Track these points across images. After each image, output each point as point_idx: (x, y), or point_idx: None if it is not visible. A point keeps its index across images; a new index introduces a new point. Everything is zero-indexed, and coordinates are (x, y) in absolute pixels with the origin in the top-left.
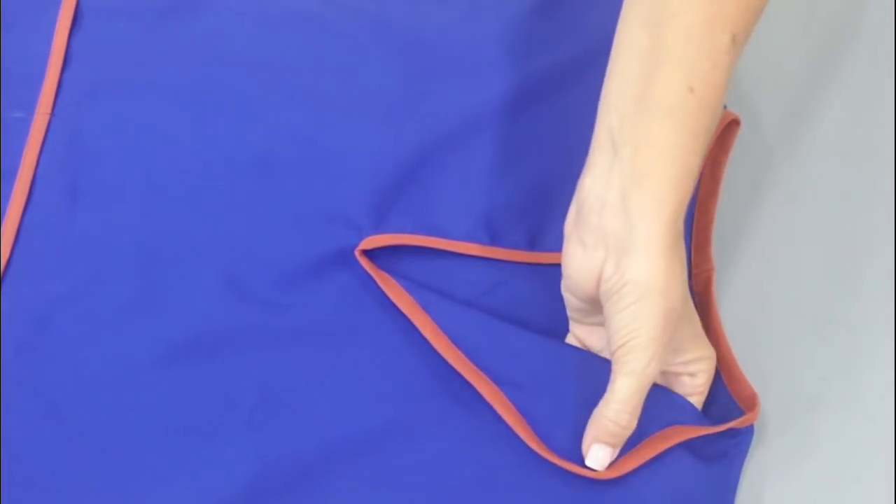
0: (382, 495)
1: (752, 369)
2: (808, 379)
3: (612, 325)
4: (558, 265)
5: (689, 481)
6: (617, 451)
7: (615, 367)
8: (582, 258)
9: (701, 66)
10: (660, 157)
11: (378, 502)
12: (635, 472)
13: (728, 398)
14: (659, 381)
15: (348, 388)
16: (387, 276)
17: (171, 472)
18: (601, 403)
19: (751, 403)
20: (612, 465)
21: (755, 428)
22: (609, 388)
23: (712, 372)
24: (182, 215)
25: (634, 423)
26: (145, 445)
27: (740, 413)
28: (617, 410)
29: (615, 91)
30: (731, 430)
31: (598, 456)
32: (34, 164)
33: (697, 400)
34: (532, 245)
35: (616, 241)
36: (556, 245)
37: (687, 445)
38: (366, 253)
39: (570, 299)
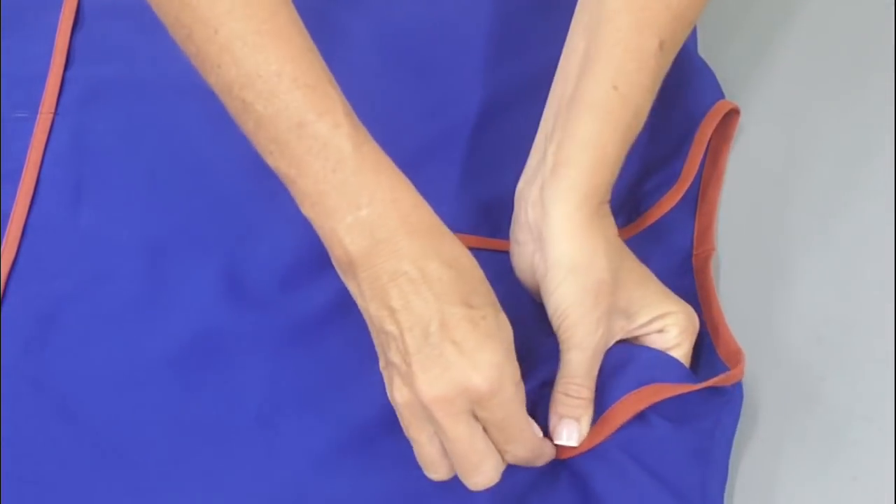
0: (391, 487)
1: (752, 369)
2: (807, 379)
3: (549, 309)
4: None
5: (657, 445)
6: (584, 424)
7: (561, 347)
8: (519, 256)
9: (627, 67)
10: (575, 147)
11: (387, 494)
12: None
13: (720, 363)
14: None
15: (354, 383)
16: None
17: (179, 469)
18: (556, 381)
19: (735, 359)
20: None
21: (754, 428)
22: (560, 365)
23: (687, 325)
24: (186, 213)
25: (589, 394)
26: (153, 443)
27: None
28: (568, 383)
29: (551, 97)
30: (718, 391)
31: (566, 432)
32: (38, 163)
33: (679, 353)
34: None
35: (537, 231)
36: None
37: (657, 409)
38: None
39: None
